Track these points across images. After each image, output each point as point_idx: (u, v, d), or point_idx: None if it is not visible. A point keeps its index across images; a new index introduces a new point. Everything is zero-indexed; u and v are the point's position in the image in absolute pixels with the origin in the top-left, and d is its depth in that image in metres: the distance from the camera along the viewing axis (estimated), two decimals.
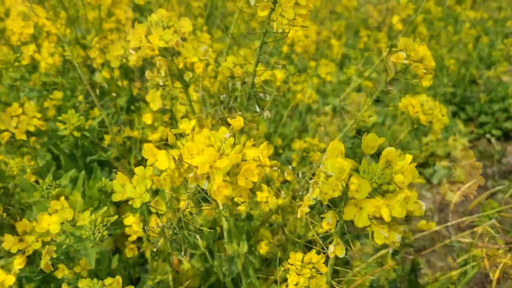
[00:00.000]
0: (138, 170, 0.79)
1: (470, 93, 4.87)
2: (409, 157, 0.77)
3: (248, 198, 0.73)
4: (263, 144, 0.72)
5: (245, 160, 0.71)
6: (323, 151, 1.53)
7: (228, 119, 0.77)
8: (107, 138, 1.57)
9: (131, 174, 0.89)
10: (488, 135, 4.93)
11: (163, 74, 1.05)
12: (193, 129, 0.78)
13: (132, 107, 1.69)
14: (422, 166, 4.48)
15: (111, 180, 1.16)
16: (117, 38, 1.55)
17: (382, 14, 5.90)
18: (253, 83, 1.10)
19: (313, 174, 1.31)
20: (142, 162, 1.68)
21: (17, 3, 1.24)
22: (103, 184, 1.11)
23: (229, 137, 0.71)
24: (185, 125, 0.83)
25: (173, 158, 0.70)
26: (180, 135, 0.79)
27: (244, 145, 0.72)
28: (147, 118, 1.35)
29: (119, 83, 1.59)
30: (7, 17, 2.32)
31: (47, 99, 1.50)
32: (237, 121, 0.78)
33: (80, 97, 1.56)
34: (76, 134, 1.27)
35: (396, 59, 1.07)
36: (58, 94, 1.48)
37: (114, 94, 1.65)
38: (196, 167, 0.68)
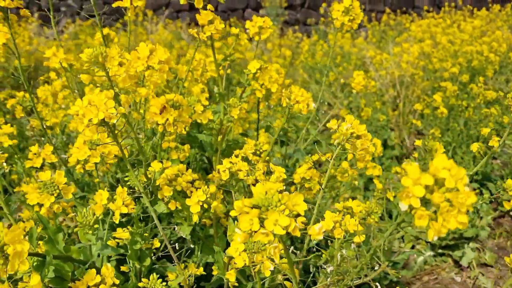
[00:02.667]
0: None
1: (491, 169, 4.85)
2: None
3: None
4: None
5: None
6: None
7: None
8: (172, 277, 1.46)
9: None
10: None
11: (277, 261, 0.96)
12: None
13: (193, 238, 1.60)
14: (450, 248, 4.35)
15: None
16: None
17: (396, 88, 6.00)
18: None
19: None
20: None
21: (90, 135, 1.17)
22: None
23: None
24: None
25: None
26: None
27: None
28: (231, 275, 1.24)
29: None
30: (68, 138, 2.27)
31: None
32: None
33: (156, 243, 1.47)
34: None
35: None
36: (125, 235, 1.39)
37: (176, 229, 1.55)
38: None
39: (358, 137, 1.18)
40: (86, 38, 6.31)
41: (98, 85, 1.61)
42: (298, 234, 0.94)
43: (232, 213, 1.00)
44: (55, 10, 2.10)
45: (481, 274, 4.36)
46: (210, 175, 1.90)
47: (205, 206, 1.32)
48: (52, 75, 2.27)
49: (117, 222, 1.31)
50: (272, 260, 1.02)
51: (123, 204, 1.31)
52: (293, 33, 8.38)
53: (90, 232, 1.25)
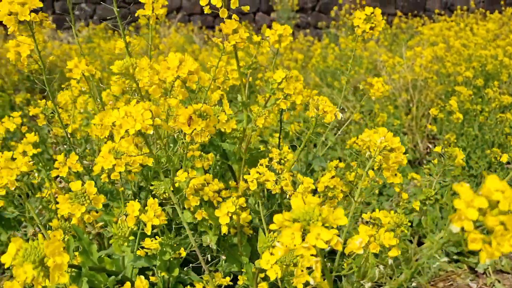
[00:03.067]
0: None
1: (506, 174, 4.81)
2: None
3: None
4: None
5: None
6: None
7: None
8: (199, 287, 1.46)
9: None
10: None
11: (318, 276, 0.96)
12: None
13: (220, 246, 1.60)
14: (465, 254, 4.31)
15: None
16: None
17: (409, 92, 5.96)
18: None
19: None
20: None
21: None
22: None
23: None
24: None
25: None
26: None
27: None
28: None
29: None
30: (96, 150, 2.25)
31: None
32: None
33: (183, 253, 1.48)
34: None
35: None
36: (154, 245, 1.39)
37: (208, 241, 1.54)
38: None
39: (392, 150, 1.17)
40: (100, 41, 6.35)
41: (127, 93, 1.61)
42: (340, 248, 0.93)
43: (272, 227, 0.99)
44: (68, 14, 2.09)
45: (497, 281, 4.30)
46: (233, 183, 1.90)
47: (235, 217, 1.32)
48: (73, 82, 2.28)
49: (148, 233, 1.31)
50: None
51: (154, 215, 1.31)
52: (304, 36, 8.37)
53: (126, 244, 1.25)
